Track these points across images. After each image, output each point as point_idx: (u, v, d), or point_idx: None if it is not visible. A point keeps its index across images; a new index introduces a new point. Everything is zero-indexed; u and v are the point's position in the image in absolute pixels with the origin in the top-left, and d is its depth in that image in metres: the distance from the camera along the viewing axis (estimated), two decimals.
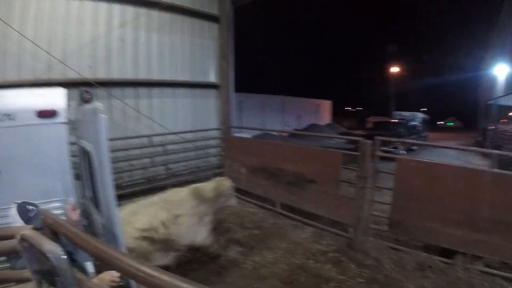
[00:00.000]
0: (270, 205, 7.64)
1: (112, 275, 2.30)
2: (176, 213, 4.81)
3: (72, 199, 3.47)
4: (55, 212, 3.17)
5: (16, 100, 3.60)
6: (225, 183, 5.64)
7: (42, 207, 2.68)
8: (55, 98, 3.74)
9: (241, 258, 5.58)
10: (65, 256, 1.67)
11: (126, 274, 1.56)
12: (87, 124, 3.61)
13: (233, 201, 5.75)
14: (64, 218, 3.14)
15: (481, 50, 30.19)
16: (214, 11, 10.54)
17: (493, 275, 5.04)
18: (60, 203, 3.59)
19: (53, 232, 2.30)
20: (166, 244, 4.62)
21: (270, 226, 6.81)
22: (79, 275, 1.91)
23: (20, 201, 2.66)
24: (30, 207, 2.62)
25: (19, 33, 6.89)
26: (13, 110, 3.49)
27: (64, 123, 3.70)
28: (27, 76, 7.17)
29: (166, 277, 1.37)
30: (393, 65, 39.76)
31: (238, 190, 8.17)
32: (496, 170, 5.26)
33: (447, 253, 5.45)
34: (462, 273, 5.05)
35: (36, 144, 3.58)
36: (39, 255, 1.82)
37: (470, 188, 5.16)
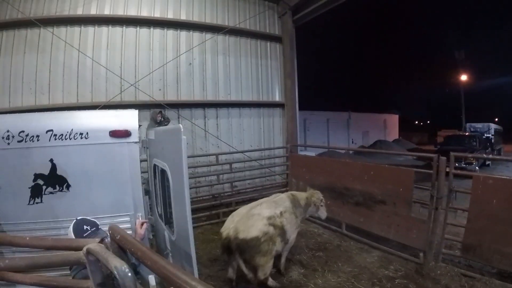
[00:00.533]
0: (336, 226, 7.39)
1: None
2: (281, 210, 5.28)
3: (140, 215, 3.61)
4: (124, 226, 3.31)
5: (90, 120, 3.87)
6: (317, 195, 5.91)
7: (111, 221, 2.80)
8: (127, 119, 3.96)
9: (303, 280, 5.43)
10: (131, 274, 1.71)
11: None
12: (162, 144, 3.79)
13: (323, 213, 5.93)
14: (131, 232, 3.26)
15: None
16: (276, 31, 10.77)
17: None
18: (129, 218, 3.74)
19: (120, 247, 2.39)
20: (282, 232, 5.11)
21: (334, 248, 6.56)
22: None
23: (79, 218, 2.78)
24: (86, 227, 2.73)
25: (94, 60, 7.65)
26: (87, 129, 3.78)
27: (136, 142, 3.90)
28: (101, 99, 7.83)
29: None
30: (462, 73, 37.49)
31: None
32: None
33: None
34: None
35: (108, 161, 3.82)
36: (105, 269, 1.88)
37: None
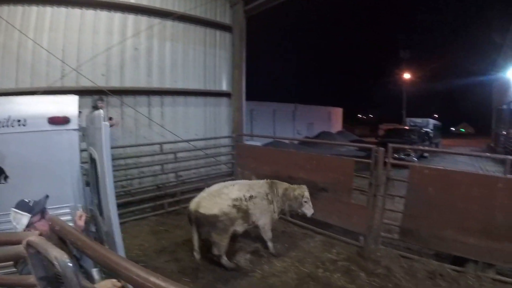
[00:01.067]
0: None
1: (114, 284, 2.28)
2: (253, 194, 5.64)
3: (81, 206, 3.49)
4: (65, 218, 3.19)
5: (28, 106, 3.65)
6: (300, 189, 5.88)
7: (51, 213, 2.69)
8: (67, 105, 3.79)
9: (249, 266, 5.54)
10: (71, 264, 1.65)
11: (134, 284, 1.52)
12: (92, 131, 3.66)
13: (307, 210, 5.86)
14: (72, 224, 3.15)
15: (494, 53, 29.75)
16: (227, 20, 10.66)
17: (505, 282, 5.00)
18: (69, 209, 3.60)
19: (60, 238, 2.30)
20: (245, 215, 5.48)
21: (279, 234, 6.70)
22: (85, 282, 1.89)
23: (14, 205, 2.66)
24: (27, 200, 2.62)
25: (34, 42, 7.10)
26: (25, 116, 3.54)
27: (75, 129, 3.73)
28: (41, 84, 7.30)
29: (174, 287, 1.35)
30: (405, 71, 39.38)
31: None
32: (510, 176, 5.14)
33: (459, 261, 5.40)
34: (473, 281, 5.03)
35: (47, 150, 3.62)
36: (45, 261, 1.81)
37: (485, 195, 5.10)
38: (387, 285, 4.99)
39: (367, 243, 5.98)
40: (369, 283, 5.04)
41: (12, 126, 3.49)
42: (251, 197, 5.58)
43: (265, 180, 6.07)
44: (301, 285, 5.00)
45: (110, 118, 7.53)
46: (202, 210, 5.13)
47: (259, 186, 5.87)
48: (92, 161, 3.84)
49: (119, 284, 2.25)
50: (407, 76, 39.62)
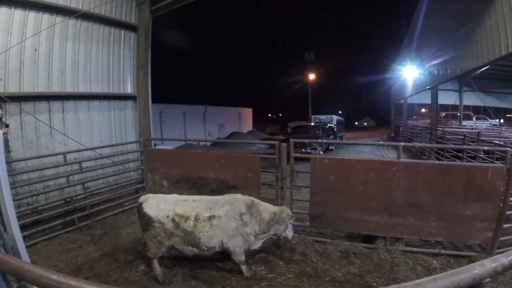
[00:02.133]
0: None
1: None
2: (215, 214, 4.90)
3: None
4: None
5: None
6: (287, 210, 5.32)
7: None
8: None
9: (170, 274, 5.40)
10: None
11: (38, 283, 1.53)
12: None
13: (290, 233, 5.38)
14: None
15: (393, 53, 32.51)
16: (132, 20, 10.26)
17: (415, 252, 5.62)
18: None
19: None
20: (188, 236, 4.82)
21: None
22: None
23: None
24: None
25: None
26: None
27: None
28: None
29: (73, 282, 1.37)
30: (311, 71, 41.50)
31: None
32: (403, 159, 5.79)
33: (369, 239, 6.02)
34: (385, 255, 5.60)
35: None
36: None
37: (382, 177, 5.78)
38: (305, 269, 5.25)
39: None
40: (288, 270, 5.24)
41: None
42: (210, 217, 4.86)
43: (244, 197, 5.31)
44: (224, 282, 5.01)
45: (7, 126, 6.95)
46: (144, 205, 4.97)
47: (230, 203, 5.08)
48: None
49: None
50: (312, 76, 41.82)
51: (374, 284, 4.84)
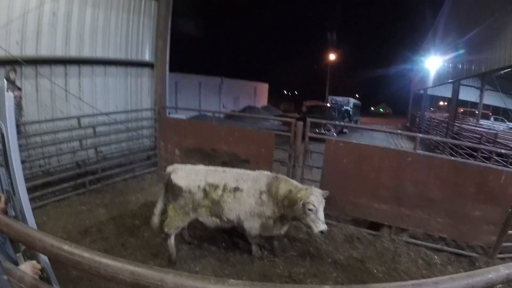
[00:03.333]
0: None
1: (34, 265, 2.23)
2: (239, 186, 4.82)
3: None
4: None
5: None
6: (307, 193, 4.37)
7: None
8: None
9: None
10: None
11: (49, 255, 1.55)
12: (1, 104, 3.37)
13: (315, 224, 4.34)
14: None
15: (417, 43, 31.89)
16: None
17: (418, 245, 5.69)
18: None
19: None
20: (214, 205, 4.80)
21: None
22: (7, 264, 1.84)
23: None
24: None
25: None
26: None
27: None
28: None
29: (86, 254, 1.38)
30: (331, 52, 40.81)
31: None
32: (419, 151, 5.76)
33: (374, 226, 6.07)
34: (388, 244, 5.66)
35: None
36: None
37: (396, 167, 5.75)
38: (308, 248, 5.36)
39: None
40: (291, 247, 5.39)
41: None
42: (235, 189, 4.76)
43: (267, 173, 5.05)
44: (227, 253, 5.19)
45: (19, 89, 6.98)
46: (173, 176, 4.88)
47: (253, 179, 4.88)
48: (2, 137, 3.58)
49: (38, 265, 2.20)
50: (332, 57, 41.06)
51: (375, 271, 4.93)
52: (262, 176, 4.92)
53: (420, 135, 6.38)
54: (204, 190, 4.78)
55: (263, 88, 46.22)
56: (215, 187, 4.79)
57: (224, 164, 6.96)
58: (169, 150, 8.37)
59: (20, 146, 6.69)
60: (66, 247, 1.45)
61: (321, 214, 4.32)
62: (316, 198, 4.31)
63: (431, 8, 26.84)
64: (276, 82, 54.83)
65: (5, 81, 3.02)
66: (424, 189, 5.55)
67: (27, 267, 2.20)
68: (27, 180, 6.64)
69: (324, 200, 4.43)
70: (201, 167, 5.13)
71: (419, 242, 5.76)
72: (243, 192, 4.77)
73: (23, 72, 7.38)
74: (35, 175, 7.28)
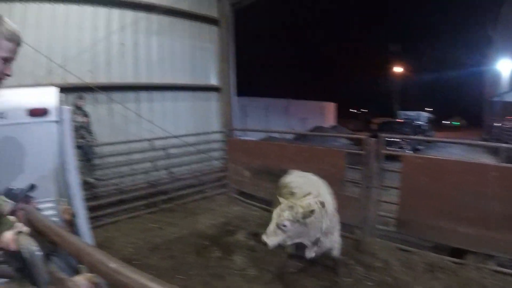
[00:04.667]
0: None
1: (89, 278, 2.21)
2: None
3: (64, 200, 3.39)
4: (48, 212, 3.11)
5: (8, 98, 3.52)
6: (305, 204, 3.87)
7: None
8: (46, 96, 3.66)
9: (245, 263, 5.43)
10: (40, 252, 1.61)
11: (95, 270, 1.47)
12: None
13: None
14: (57, 219, 3.07)
15: (484, 45, 29.96)
16: (213, 13, 10.47)
17: (506, 274, 4.87)
18: (52, 203, 3.49)
19: (35, 230, 2.22)
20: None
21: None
22: (60, 274, 1.82)
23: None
24: (12, 187, 2.56)
25: None
26: (4, 108, 3.42)
27: (56, 121, 3.60)
28: (27, 81, 7.14)
29: (133, 275, 1.27)
30: (396, 64, 39.47)
31: (242, 194, 8.10)
32: (504, 164, 5.11)
33: (458, 253, 5.26)
34: (473, 273, 4.88)
35: (27, 142, 3.50)
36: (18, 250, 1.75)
37: (479, 183, 4.97)
38: (385, 278, 4.90)
39: (363, 236, 5.85)
40: (367, 277, 4.97)
41: None
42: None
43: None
44: (298, 281, 4.93)
45: (86, 115, 7.48)
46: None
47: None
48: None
49: (95, 279, 2.17)
50: (398, 69, 39.68)
51: None
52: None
53: (505, 145, 5.70)
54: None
55: (331, 108, 45.75)
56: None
57: None
58: (238, 171, 8.40)
59: (95, 165, 7.47)
60: (113, 265, 1.35)
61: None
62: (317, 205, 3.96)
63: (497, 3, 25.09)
64: (343, 101, 54.01)
65: (69, 107, 3.23)
66: None
67: (82, 279, 2.17)
68: (102, 197, 7.25)
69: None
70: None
71: (508, 271, 4.93)
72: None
73: (97, 98, 8.01)
74: (110, 193, 7.75)
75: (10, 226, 2.04)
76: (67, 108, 3.56)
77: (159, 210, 7.83)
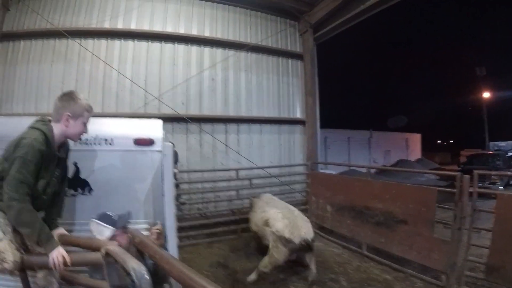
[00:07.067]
0: (356, 246, 7.08)
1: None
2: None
3: (159, 222, 3.63)
4: (144, 233, 3.36)
5: (115, 127, 3.97)
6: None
7: (131, 226, 2.87)
8: (152, 128, 4.06)
9: None
10: (148, 277, 1.72)
11: None
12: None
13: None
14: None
15: None
16: (297, 49, 10.88)
17: None
18: (149, 225, 3.75)
19: (139, 251, 2.40)
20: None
21: (354, 269, 6.27)
22: None
23: (95, 216, 2.86)
24: (110, 213, 2.82)
25: (119, 72, 8.02)
26: (112, 136, 3.86)
27: (159, 151, 3.95)
28: (125, 110, 8.13)
29: None
30: (484, 90, 36.02)
31: (322, 229, 7.98)
32: None
33: None
34: None
35: (131, 168, 3.89)
36: (122, 271, 1.89)
37: None
38: None
39: (449, 282, 5.22)
40: None
41: (99, 144, 3.80)
42: None
43: None
44: None
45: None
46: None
47: None
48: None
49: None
50: (486, 95, 36.23)
51: None
52: None
53: None
54: None
55: (415, 139, 43.75)
56: None
57: (377, 224, 6.54)
58: (320, 205, 8.30)
59: (183, 189, 8.11)
60: None
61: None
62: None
63: None
64: (428, 132, 51.44)
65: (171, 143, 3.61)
66: None
67: None
68: (185, 219, 7.76)
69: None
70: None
71: None
72: None
73: (189, 128, 8.77)
74: (193, 216, 8.37)
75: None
76: (170, 144, 3.99)
77: (239, 238, 8.02)
